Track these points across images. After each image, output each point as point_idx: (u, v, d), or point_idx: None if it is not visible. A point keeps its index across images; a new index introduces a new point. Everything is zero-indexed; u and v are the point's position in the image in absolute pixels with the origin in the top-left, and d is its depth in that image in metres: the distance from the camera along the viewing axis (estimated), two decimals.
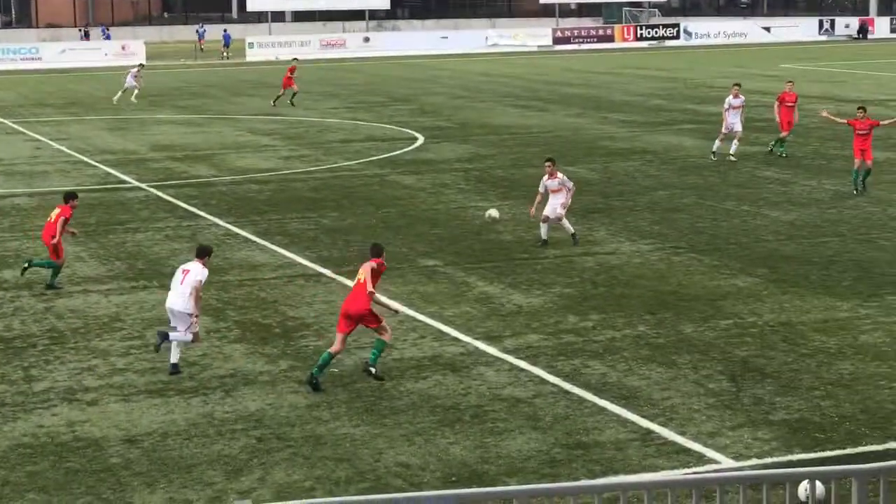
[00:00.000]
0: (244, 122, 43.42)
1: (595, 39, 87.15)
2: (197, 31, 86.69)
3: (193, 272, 15.97)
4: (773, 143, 33.22)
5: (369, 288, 15.20)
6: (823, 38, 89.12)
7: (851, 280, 19.92)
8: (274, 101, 47.69)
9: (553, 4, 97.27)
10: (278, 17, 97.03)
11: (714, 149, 32.53)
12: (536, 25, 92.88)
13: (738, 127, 32.28)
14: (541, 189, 22.63)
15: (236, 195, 28.87)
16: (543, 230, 22.65)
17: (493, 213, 23.70)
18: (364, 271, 15.45)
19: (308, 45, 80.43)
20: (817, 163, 32.16)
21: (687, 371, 15.60)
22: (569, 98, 49.95)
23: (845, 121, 28.69)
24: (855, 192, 27.28)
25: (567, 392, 14.98)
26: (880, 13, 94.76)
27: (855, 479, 9.27)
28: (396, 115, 44.80)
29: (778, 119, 32.95)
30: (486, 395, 14.97)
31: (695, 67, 64.77)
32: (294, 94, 47.70)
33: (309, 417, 14.26)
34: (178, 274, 16.12)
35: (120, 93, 49.59)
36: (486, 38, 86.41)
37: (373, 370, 15.44)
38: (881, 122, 28.48)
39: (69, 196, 20.77)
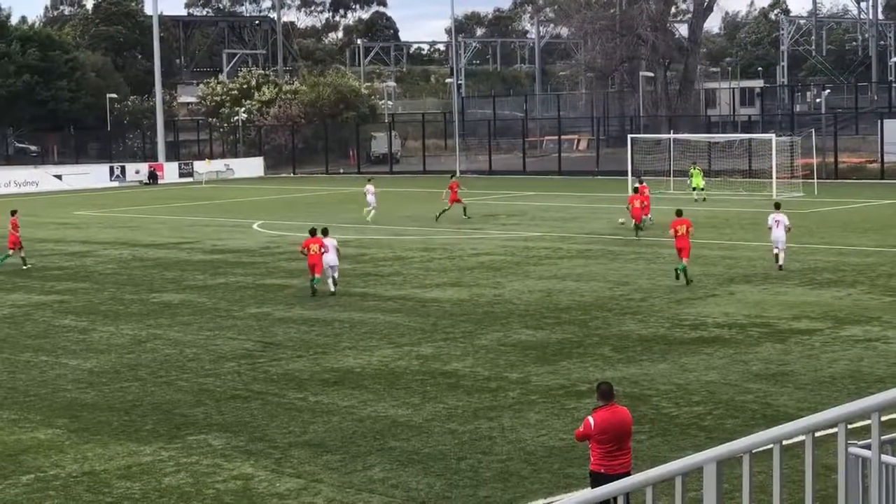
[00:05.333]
0: None
1: None
2: None
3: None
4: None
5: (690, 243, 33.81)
6: (115, 184, 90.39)
7: (153, 423, 20.07)
8: None
9: None
10: None
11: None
12: None
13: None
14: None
15: None
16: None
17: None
18: (686, 227, 33.21)
19: None
20: (115, 308, 32.35)
21: None
22: None
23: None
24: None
25: None
26: (168, 159, 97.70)
27: None
28: None
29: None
30: None
31: None
32: None
33: None
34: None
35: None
36: None
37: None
38: None
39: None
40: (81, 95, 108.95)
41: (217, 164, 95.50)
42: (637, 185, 48.90)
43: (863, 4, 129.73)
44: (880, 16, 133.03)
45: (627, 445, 13.59)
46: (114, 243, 48.66)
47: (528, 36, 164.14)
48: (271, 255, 43.25)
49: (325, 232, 33.73)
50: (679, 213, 34.85)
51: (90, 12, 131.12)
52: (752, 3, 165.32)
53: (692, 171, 62.32)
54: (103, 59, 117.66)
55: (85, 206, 69.43)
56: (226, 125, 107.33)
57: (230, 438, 18.99)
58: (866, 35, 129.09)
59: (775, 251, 35.56)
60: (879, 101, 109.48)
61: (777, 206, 36.80)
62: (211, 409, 20.94)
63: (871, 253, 38.87)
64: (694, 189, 60.65)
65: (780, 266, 35.15)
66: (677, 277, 33.46)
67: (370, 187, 55.66)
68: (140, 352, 26.27)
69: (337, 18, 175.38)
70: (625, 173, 65.40)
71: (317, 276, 33.09)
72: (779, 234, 35.19)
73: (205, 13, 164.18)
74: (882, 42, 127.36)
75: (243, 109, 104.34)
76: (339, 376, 23.23)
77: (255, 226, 54.18)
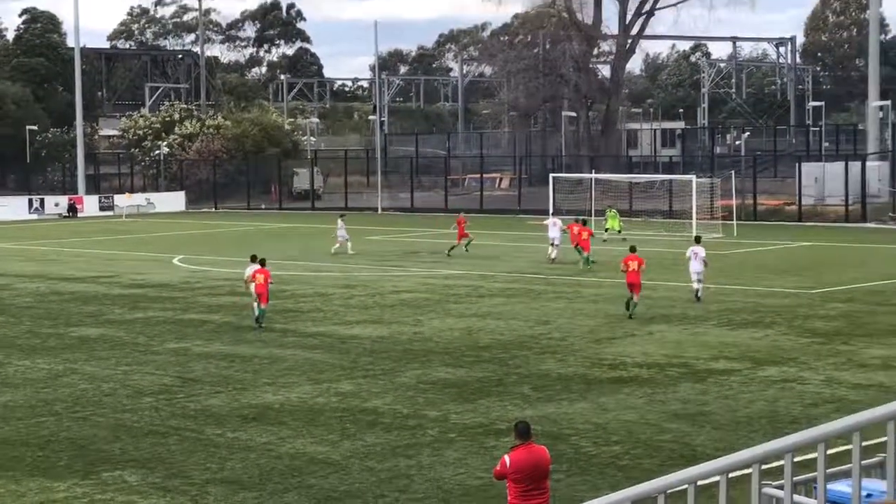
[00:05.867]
0: None
1: None
2: None
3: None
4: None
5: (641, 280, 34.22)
6: (34, 216, 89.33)
7: (68, 459, 19.79)
8: None
9: None
10: None
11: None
12: None
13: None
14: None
15: None
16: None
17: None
18: (637, 263, 33.97)
19: None
20: (31, 342, 31.92)
21: None
22: None
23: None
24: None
25: None
26: (88, 192, 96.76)
27: None
28: None
29: None
30: None
31: None
32: None
33: None
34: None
35: None
36: None
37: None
38: None
39: None
40: (0, 127, 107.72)
41: (138, 198, 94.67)
42: (581, 221, 49.88)
43: (781, 49, 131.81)
44: (798, 61, 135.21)
45: (545, 485, 13.61)
46: (31, 276, 48.07)
47: (452, 74, 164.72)
48: (191, 289, 42.90)
49: (257, 260, 34.66)
50: (633, 249, 35.94)
51: (11, 43, 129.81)
52: (673, 46, 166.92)
53: (609, 213, 62.97)
54: (24, 90, 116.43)
55: (2, 239, 68.53)
56: (147, 159, 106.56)
57: (146, 474, 18.78)
58: (785, 79, 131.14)
59: (694, 285, 37.29)
60: (797, 144, 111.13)
61: (697, 240, 38.81)
62: (127, 444, 20.71)
63: (788, 294, 39.36)
64: (606, 230, 61.13)
65: (698, 297, 36.96)
66: (627, 308, 34.30)
67: (340, 222, 55.97)
68: (56, 386, 25.93)
69: (261, 54, 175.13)
70: (546, 212, 65.72)
71: (262, 305, 33.55)
72: (696, 265, 37.05)
73: (128, 46, 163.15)
74: (800, 87, 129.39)
75: (165, 143, 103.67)
76: (258, 412, 23.08)
77: (175, 260, 53.78)
